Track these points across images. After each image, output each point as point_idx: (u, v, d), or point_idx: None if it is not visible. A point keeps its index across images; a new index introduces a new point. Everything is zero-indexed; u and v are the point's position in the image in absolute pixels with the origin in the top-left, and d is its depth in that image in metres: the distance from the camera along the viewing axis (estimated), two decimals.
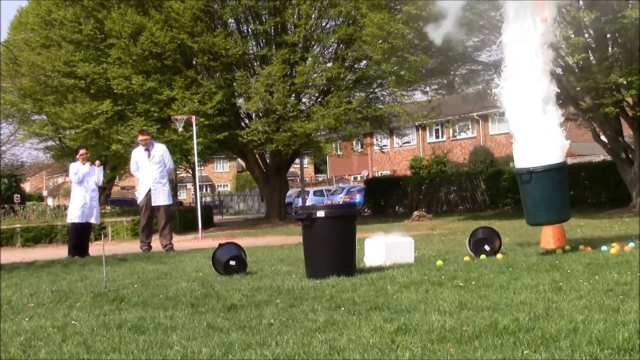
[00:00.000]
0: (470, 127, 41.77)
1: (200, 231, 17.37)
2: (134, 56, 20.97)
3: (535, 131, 7.44)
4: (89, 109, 21.47)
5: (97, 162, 12.34)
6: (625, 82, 15.45)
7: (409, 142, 45.21)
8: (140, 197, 12.26)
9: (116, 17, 21.09)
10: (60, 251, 13.53)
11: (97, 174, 12.06)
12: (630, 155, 17.48)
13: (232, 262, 7.27)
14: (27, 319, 5.09)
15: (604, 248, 7.48)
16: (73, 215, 11.88)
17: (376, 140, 35.77)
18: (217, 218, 33.17)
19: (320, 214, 6.56)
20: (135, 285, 6.76)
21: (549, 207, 7.38)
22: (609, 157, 20.02)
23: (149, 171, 12.04)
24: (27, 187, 65.14)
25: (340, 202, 30.73)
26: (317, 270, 6.57)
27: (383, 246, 7.52)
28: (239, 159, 35.40)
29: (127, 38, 20.92)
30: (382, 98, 24.51)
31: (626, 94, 15.71)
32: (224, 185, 68.44)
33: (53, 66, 22.14)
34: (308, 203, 31.87)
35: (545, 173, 7.31)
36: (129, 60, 21.15)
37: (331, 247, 6.61)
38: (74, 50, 22.34)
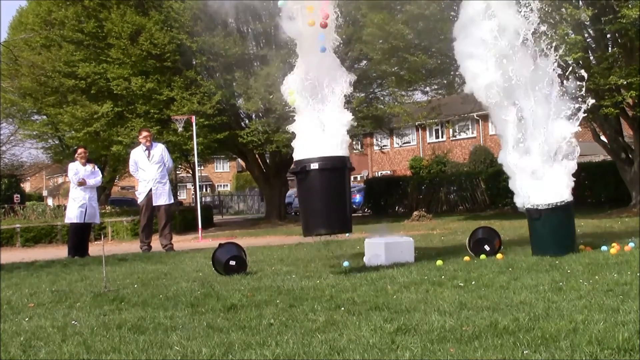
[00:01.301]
0: (470, 127, 41.72)
1: (200, 231, 17.36)
2: (133, 57, 20.95)
3: (540, 170, 7.36)
4: (89, 112, 21.46)
5: (82, 181, 11.77)
6: (625, 83, 15.44)
7: (409, 142, 45.23)
8: (140, 197, 12.25)
9: (116, 18, 21.07)
10: (60, 251, 13.52)
11: (95, 177, 12.03)
12: (630, 155, 17.48)
13: (232, 262, 7.26)
14: (27, 319, 5.08)
15: (604, 248, 7.47)
16: (72, 215, 11.87)
17: (376, 140, 35.79)
18: (217, 218, 33.16)
19: (314, 165, 6.77)
20: (135, 285, 6.76)
21: (557, 242, 7.33)
22: (609, 157, 20.01)
23: (149, 171, 12.05)
24: (27, 187, 65.14)
25: None
26: (312, 224, 6.72)
27: (383, 246, 7.51)
28: (239, 159, 35.39)
29: (126, 39, 20.90)
30: (382, 98, 24.49)
31: (626, 95, 15.69)
32: (223, 185, 68.45)
33: (53, 66, 22.13)
34: None
35: (554, 211, 7.27)
36: (128, 61, 21.15)
37: (325, 198, 6.82)
38: (74, 50, 22.33)
